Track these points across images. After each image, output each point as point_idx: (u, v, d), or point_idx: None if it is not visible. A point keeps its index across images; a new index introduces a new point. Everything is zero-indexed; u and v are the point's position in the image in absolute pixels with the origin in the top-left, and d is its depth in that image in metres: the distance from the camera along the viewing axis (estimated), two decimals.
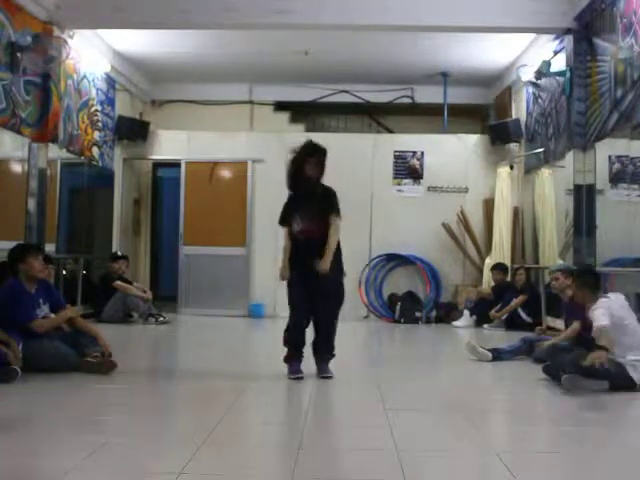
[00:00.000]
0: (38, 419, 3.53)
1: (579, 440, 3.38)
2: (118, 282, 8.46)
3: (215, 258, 9.74)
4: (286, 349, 4.91)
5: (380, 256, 9.76)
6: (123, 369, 4.82)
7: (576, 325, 5.28)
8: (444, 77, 10.00)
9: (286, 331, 4.92)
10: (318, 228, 4.81)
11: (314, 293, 4.80)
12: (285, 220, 4.96)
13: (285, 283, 4.90)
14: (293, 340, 4.87)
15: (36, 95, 7.34)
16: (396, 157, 10.01)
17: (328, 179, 4.99)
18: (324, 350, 4.89)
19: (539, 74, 7.76)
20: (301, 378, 4.74)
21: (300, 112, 10.77)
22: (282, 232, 5.03)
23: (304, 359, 4.89)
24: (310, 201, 4.85)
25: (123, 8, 7.48)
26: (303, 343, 4.88)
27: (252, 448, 3.25)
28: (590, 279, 4.92)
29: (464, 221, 9.79)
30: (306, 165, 4.83)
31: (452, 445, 3.30)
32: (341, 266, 4.94)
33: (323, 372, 4.83)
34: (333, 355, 4.92)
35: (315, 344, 4.92)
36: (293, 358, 4.85)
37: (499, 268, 8.94)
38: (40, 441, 3.10)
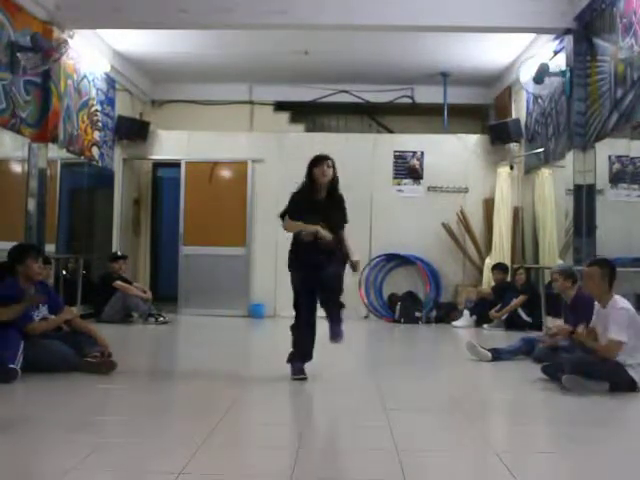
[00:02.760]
0: (38, 419, 3.53)
1: (579, 440, 3.38)
2: (118, 282, 8.45)
3: (215, 258, 9.74)
4: (291, 349, 4.83)
5: (380, 256, 9.76)
6: (123, 369, 4.83)
7: (582, 328, 5.20)
8: (444, 77, 9.99)
9: (293, 329, 4.85)
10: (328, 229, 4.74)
11: (318, 285, 4.68)
12: (293, 215, 4.74)
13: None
14: (301, 342, 4.78)
15: (36, 95, 7.34)
16: (396, 157, 10.01)
17: None
18: (334, 307, 4.65)
19: (538, 75, 7.75)
20: (304, 379, 4.70)
21: (300, 112, 10.76)
22: (281, 225, 4.89)
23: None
24: (324, 205, 4.78)
25: (123, 8, 7.49)
26: (312, 344, 4.80)
27: (252, 448, 3.25)
28: (612, 273, 4.67)
29: (464, 221, 9.79)
30: (314, 172, 4.75)
31: (452, 445, 3.30)
32: (344, 263, 4.87)
33: (334, 336, 4.62)
34: (343, 305, 4.68)
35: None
36: (296, 358, 4.80)
37: (499, 268, 8.94)
38: (40, 441, 3.10)
